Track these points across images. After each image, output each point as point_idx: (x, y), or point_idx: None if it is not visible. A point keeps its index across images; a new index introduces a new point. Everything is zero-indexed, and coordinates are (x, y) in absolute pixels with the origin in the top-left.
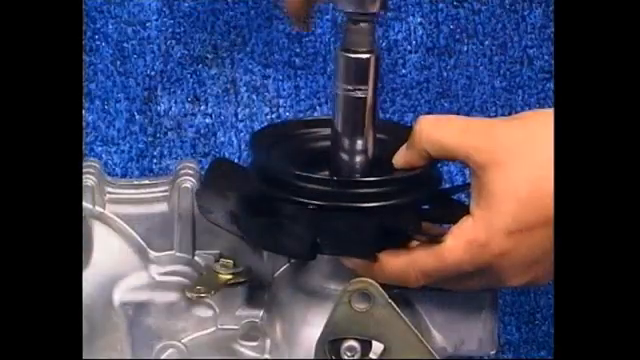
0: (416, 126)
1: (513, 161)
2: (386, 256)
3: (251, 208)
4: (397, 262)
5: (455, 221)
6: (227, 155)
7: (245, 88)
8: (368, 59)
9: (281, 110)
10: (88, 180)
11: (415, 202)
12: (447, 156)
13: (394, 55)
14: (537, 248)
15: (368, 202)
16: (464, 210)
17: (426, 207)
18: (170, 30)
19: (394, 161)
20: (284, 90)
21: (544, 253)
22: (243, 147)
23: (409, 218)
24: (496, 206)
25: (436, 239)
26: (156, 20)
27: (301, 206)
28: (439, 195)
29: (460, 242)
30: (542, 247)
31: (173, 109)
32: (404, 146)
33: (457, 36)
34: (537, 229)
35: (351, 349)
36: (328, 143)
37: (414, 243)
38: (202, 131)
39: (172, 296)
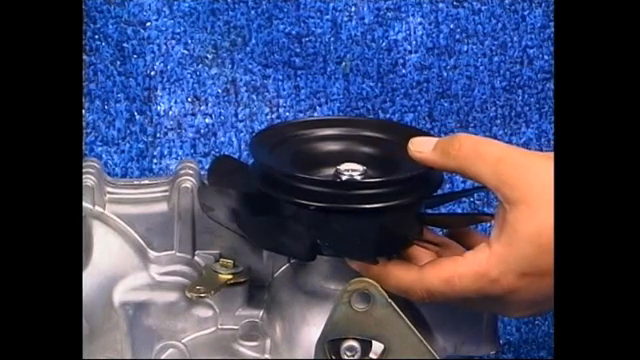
0: (455, 141)
1: (542, 204)
2: (396, 268)
3: (252, 206)
4: (406, 276)
5: (456, 226)
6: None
7: (245, 88)
8: None
9: (281, 110)
10: (88, 180)
11: (416, 204)
12: (474, 180)
13: (394, 55)
14: (546, 291)
15: (368, 204)
16: (465, 218)
17: (428, 211)
18: (170, 30)
19: (411, 144)
20: (284, 90)
21: (551, 296)
22: (243, 147)
23: (410, 221)
24: (516, 246)
25: (444, 249)
26: (156, 20)
27: (301, 207)
28: (442, 199)
29: (470, 272)
30: (551, 290)
31: (173, 109)
32: (430, 141)
33: (457, 36)
34: (549, 275)
35: (351, 349)
36: (329, 144)
37: (416, 248)
38: (202, 131)
39: (172, 296)
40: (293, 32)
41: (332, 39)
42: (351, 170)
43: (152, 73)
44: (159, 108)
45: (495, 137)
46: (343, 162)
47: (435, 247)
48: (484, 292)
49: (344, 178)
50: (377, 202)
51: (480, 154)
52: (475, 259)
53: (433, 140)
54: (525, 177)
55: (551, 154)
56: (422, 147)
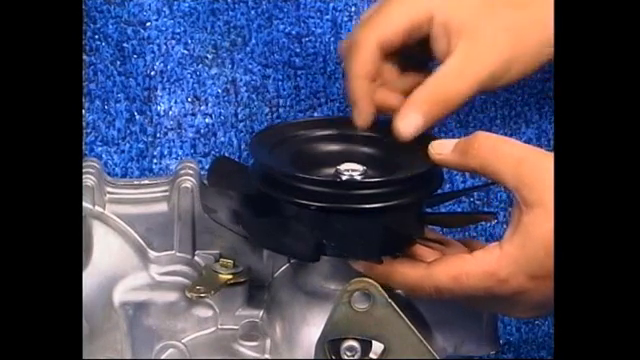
0: (474, 140)
1: None
2: (402, 265)
3: (254, 207)
4: (413, 273)
5: (456, 226)
6: (227, 155)
7: (245, 88)
8: None
9: (281, 110)
10: (88, 180)
11: (415, 204)
12: (494, 179)
13: None
14: (551, 293)
15: (368, 203)
16: (465, 217)
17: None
18: (170, 30)
19: (431, 147)
20: (284, 90)
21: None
22: (243, 147)
23: (410, 221)
24: (528, 249)
25: (448, 248)
26: (156, 20)
27: (301, 207)
28: (442, 198)
29: (479, 270)
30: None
31: (173, 109)
32: (449, 143)
33: None
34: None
35: (351, 349)
36: (329, 144)
37: (420, 247)
38: (202, 131)
39: (172, 296)
40: (293, 32)
41: (332, 39)
42: (351, 170)
43: (152, 73)
44: (159, 108)
45: None
46: (343, 162)
47: (439, 246)
48: (492, 292)
49: (344, 178)
50: (377, 202)
51: (499, 154)
52: (485, 258)
53: (453, 141)
54: (544, 179)
55: None
56: (442, 149)
